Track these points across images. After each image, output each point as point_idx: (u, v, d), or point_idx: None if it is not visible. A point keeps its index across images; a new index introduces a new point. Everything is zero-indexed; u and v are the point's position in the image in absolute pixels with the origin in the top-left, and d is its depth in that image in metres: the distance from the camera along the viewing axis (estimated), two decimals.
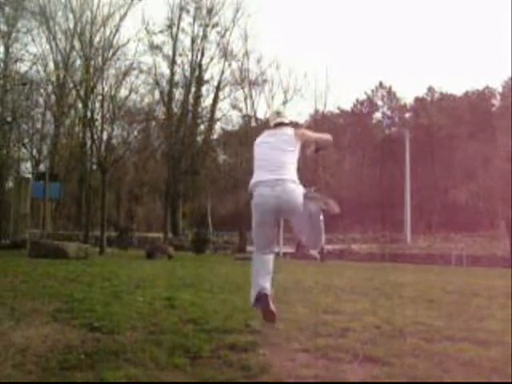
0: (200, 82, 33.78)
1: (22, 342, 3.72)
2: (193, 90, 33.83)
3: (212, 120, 34.54)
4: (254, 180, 4.25)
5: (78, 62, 28.83)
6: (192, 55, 33.58)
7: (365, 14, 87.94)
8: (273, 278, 4.47)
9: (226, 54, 32.55)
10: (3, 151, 31.98)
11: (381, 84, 62.01)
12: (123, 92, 23.89)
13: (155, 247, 19.57)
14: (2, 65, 30.56)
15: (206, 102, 34.35)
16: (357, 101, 62.75)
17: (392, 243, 32.92)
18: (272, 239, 4.37)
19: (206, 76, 33.98)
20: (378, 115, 63.21)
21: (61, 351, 3.49)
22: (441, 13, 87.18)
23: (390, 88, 61.82)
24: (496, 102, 59.44)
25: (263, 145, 4.33)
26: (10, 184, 33.83)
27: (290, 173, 4.16)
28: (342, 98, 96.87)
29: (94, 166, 25.48)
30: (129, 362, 3.24)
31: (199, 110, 34.42)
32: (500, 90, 57.87)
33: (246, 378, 3.02)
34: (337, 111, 58.46)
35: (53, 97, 32.48)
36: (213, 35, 33.51)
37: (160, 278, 9.15)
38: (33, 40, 31.46)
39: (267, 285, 4.24)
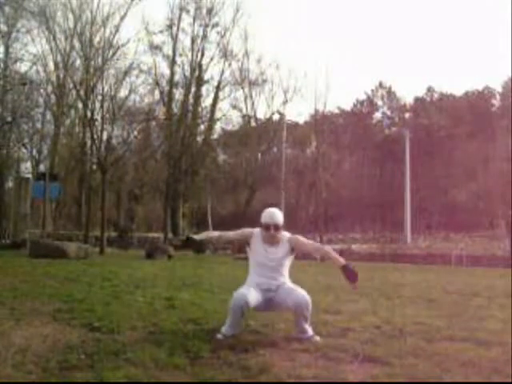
0: (200, 82, 33.75)
1: (22, 342, 3.72)
2: (193, 89, 33.79)
3: (212, 120, 34.51)
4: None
5: (78, 62, 28.85)
6: (192, 55, 33.57)
7: (364, 14, 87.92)
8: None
9: (226, 53, 32.54)
10: (3, 151, 31.97)
11: (381, 84, 62.00)
12: (123, 92, 23.86)
13: (155, 247, 19.53)
14: (2, 65, 30.57)
15: (206, 101, 34.36)
16: (357, 101, 62.76)
17: (392, 243, 32.89)
18: None
19: (206, 76, 33.97)
20: (378, 115, 63.23)
21: (61, 351, 3.49)
22: (441, 13, 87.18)
23: (390, 88, 61.83)
24: (496, 102, 59.42)
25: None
26: (10, 184, 33.84)
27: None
28: (342, 98, 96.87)
29: (94, 166, 25.45)
30: (129, 362, 3.24)
31: (199, 110, 34.38)
32: (500, 90, 57.85)
33: (246, 377, 3.02)
34: (337, 111, 58.42)
35: (53, 97, 32.49)
36: (213, 35, 33.51)
37: (160, 278, 9.15)
38: (33, 40, 31.47)
39: None
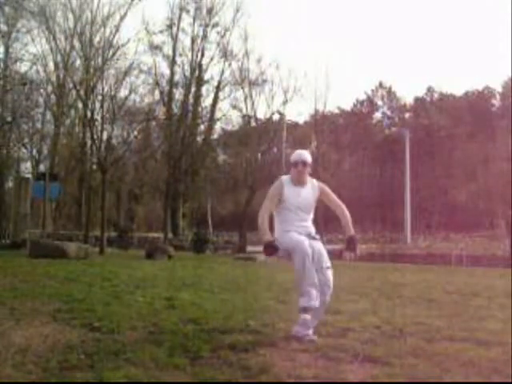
0: (200, 82, 33.76)
1: (22, 342, 3.72)
2: (193, 89, 33.80)
3: (212, 120, 34.51)
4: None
5: (78, 62, 28.88)
6: (192, 55, 33.61)
7: (364, 14, 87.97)
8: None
9: (226, 53, 32.51)
10: (3, 151, 31.99)
11: (381, 84, 62.01)
12: (123, 92, 23.82)
13: (155, 247, 19.53)
14: (2, 65, 30.59)
15: (206, 101, 34.36)
16: (357, 101, 62.78)
17: (392, 243, 32.89)
18: None
19: (206, 76, 33.99)
20: (378, 115, 63.24)
21: (61, 351, 3.49)
22: (441, 13, 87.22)
23: (390, 88, 61.84)
24: (496, 102, 59.42)
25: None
26: (10, 184, 33.85)
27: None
28: (342, 98, 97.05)
29: (94, 166, 25.45)
30: (129, 362, 3.23)
31: (199, 109, 34.40)
32: (500, 90, 57.85)
33: (246, 377, 3.02)
34: (337, 111, 58.45)
35: (53, 97, 32.51)
36: (213, 35, 33.54)
37: (160, 278, 9.15)
38: (33, 40, 31.51)
39: None
